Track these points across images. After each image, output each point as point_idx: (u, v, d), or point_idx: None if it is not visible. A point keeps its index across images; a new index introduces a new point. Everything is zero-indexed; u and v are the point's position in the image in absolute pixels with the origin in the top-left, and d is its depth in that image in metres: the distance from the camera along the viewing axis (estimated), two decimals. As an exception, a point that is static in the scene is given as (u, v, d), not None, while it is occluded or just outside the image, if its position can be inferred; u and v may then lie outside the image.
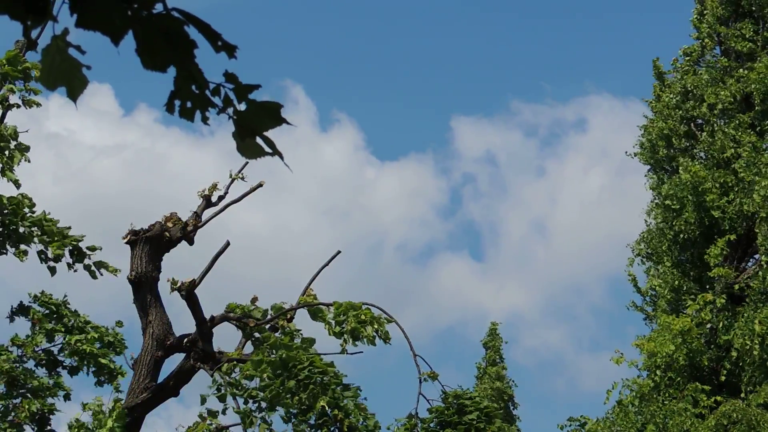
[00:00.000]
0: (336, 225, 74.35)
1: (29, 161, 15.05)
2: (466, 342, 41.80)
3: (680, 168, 28.42)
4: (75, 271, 15.54)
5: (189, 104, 3.43)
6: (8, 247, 15.14)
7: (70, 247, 15.37)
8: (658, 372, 25.75)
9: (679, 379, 25.68)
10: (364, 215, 76.30)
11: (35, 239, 15.07)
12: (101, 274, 15.78)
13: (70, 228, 15.45)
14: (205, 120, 3.45)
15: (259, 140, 3.43)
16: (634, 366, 26.52)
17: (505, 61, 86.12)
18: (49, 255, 15.34)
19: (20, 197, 15.07)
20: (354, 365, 34.53)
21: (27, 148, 15.00)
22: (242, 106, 3.44)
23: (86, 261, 15.63)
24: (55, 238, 15.11)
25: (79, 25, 3.42)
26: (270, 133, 3.42)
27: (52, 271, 15.43)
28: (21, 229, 15.07)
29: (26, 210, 15.10)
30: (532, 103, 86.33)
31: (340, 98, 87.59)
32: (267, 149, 3.41)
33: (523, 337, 73.02)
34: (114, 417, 14.81)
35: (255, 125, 3.39)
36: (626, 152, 30.83)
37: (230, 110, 3.44)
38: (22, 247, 15.18)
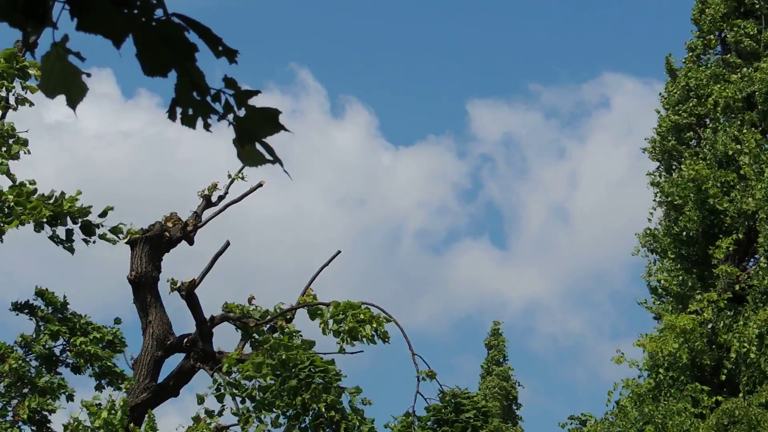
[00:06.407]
0: (353, 213, 74.04)
1: (29, 153, 14.86)
2: (486, 331, 41.96)
3: (683, 166, 28.41)
4: (94, 242, 15.03)
5: (190, 111, 3.44)
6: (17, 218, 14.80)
7: (80, 223, 15.03)
8: (661, 371, 25.68)
9: (682, 377, 25.63)
10: (381, 202, 75.89)
11: (44, 214, 14.75)
12: (119, 239, 15.20)
13: (77, 199, 14.94)
14: (207, 127, 3.45)
15: (259, 147, 3.43)
16: (635, 366, 26.46)
17: (517, 47, 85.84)
18: (61, 235, 14.97)
19: (21, 184, 14.83)
20: (354, 364, 34.45)
21: (25, 142, 14.86)
22: (242, 112, 3.44)
23: (99, 231, 15.25)
24: (65, 206, 14.78)
25: (80, 29, 3.42)
26: (283, 122, 3.41)
27: (71, 250, 14.93)
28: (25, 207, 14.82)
29: (27, 188, 14.86)
30: (551, 85, 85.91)
31: (349, 83, 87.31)
32: (267, 156, 3.42)
33: (542, 325, 72.56)
34: (119, 411, 14.75)
35: (254, 131, 3.39)
36: (640, 147, 30.85)
37: (230, 116, 3.44)
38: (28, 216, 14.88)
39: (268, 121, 3.36)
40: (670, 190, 28.06)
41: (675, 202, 27.90)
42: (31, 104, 14.88)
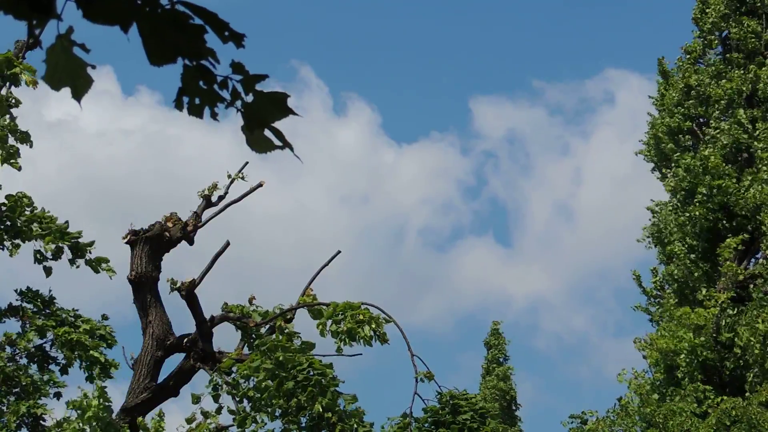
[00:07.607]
0: (356, 210, 73.92)
1: (31, 146, 14.97)
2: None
3: (690, 158, 28.38)
4: (77, 267, 15.48)
5: (197, 101, 3.42)
6: (5, 241, 15.12)
7: (69, 244, 15.35)
8: (675, 361, 25.60)
9: (693, 373, 25.53)
10: (384, 199, 75.73)
11: (34, 234, 15.04)
12: (101, 270, 15.73)
13: (67, 224, 15.37)
14: (214, 116, 3.44)
15: (268, 133, 3.42)
16: (649, 357, 26.41)
17: (520, 43, 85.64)
18: (48, 255, 15.31)
19: (19, 195, 15.08)
20: (354, 364, 34.43)
21: (27, 135, 14.90)
22: (249, 98, 3.42)
23: (87, 256, 15.56)
24: (53, 230, 15.08)
25: (86, 17, 3.41)
26: (282, 122, 3.41)
27: (48, 271, 15.42)
28: (18, 223, 15.08)
29: (26, 209, 15.09)
30: (554, 81, 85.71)
31: (352, 80, 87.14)
32: (276, 142, 3.40)
33: (546, 323, 72.35)
34: (97, 404, 14.65)
35: (263, 117, 3.37)
36: (635, 152, 30.87)
37: (238, 103, 3.43)
38: (17, 241, 15.16)
39: (277, 105, 3.34)
40: (680, 173, 28.08)
41: (686, 187, 27.86)
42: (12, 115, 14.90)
